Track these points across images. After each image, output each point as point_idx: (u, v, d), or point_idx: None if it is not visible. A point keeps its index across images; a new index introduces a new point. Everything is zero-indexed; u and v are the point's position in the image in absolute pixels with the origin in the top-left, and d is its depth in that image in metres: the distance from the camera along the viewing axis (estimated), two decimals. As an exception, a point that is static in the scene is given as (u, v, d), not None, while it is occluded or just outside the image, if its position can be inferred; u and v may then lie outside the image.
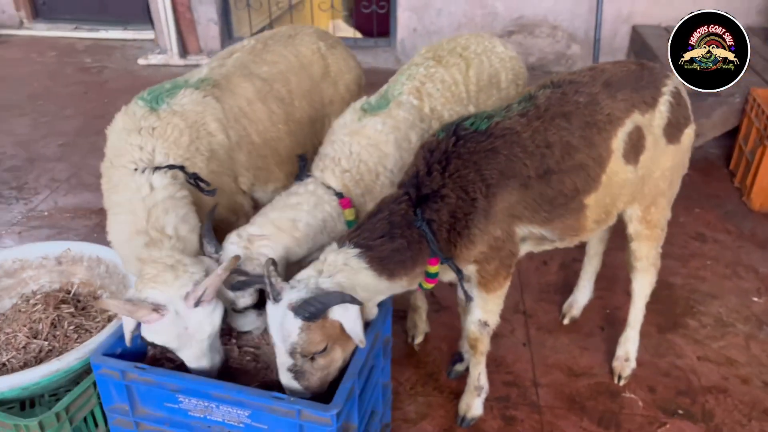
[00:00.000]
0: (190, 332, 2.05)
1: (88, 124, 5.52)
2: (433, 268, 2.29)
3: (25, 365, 2.39)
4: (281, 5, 7.39)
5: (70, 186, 4.66)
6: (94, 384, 2.24)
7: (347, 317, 2.02)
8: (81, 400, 2.22)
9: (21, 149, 5.18)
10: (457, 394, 2.90)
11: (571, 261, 3.77)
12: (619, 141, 2.42)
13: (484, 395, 2.80)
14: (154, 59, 6.99)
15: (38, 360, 2.43)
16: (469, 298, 2.36)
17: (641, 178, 2.54)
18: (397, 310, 3.37)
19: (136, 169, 2.35)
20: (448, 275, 2.45)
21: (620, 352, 3.03)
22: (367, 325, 2.17)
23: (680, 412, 2.85)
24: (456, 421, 2.80)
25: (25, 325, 2.51)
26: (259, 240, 2.22)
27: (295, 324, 1.98)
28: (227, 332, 2.49)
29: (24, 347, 2.46)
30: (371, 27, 7.17)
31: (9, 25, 8.02)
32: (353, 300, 1.97)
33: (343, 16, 8.78)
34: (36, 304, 2.62)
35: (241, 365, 2.42)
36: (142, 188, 2.29)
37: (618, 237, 3.03)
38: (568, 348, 3.21)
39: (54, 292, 2.74)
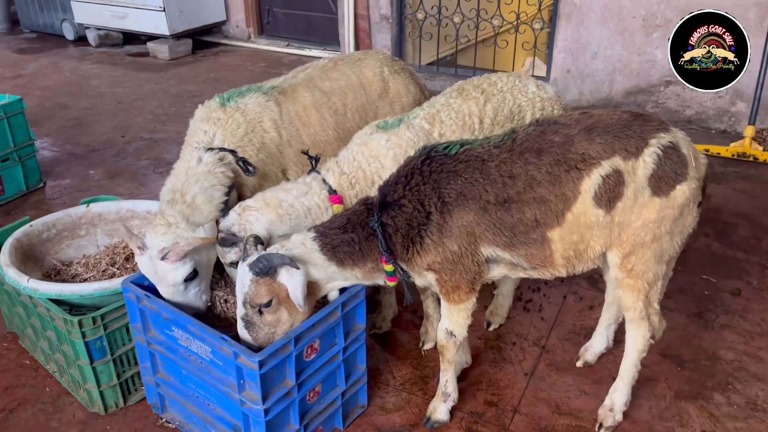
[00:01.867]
0: (158, 275, 2.68)
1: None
2: (387, 267, 2.61)
3: (98, 283, 3.19)
4: (455, 39, 7.87)
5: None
6: (130, 304, 2.94)
7: (291, 281, 2.46)
8: (115, 314, 2.93)
9: (202, 136, 6.35)
10: (438, 399, 3.12)
11: (617, 311, 3.70)
12: (591, 182, 2.51)
13: (451, 403, 3.00)
14: (334, 76, 7.95)
15: (108, 281, 3.22)
16: (408, 299, 2.63)
17: (618, 224, 2.58)
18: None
19: (197, 147, 3.05)
20: (420, 280, 2.76)
21: (607, 401, 2.99)
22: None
23: (649, 474, 2.77)
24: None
25: (108, 255, 3.34)
26: (250, 210, 2.76)
27: (248, 277, 2.48)
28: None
29: (104, 271, 3.28)
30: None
31: (239, 38, 9.64)
32: (292, 263, 2.40)
33: (545, 54, 8.88)
34: (125, 244, 3.43)
35: (236, 318, 2.96)
36: (192, 160, 2.97)
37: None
38: (567, 388, 3.23)
39: (144, 238, 3.53)
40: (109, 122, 6.78)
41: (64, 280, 3.26)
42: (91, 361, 2.93)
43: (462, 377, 3.28)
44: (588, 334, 3.58)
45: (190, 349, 2.71)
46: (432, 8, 7.29)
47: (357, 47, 7.71)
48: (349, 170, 2.87)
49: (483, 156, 2.57)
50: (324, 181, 2.86)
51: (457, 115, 2.99)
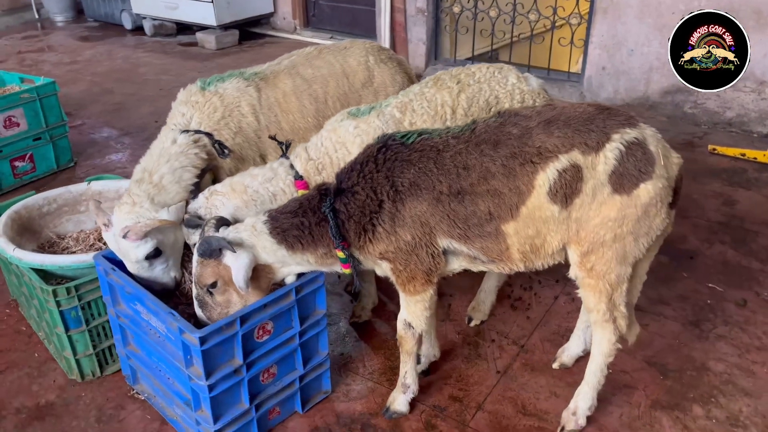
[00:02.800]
0: (122, 252, 2.78)
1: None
2: (339, 254, 2.61)
3: (84, 257, 3.32)
4: (495, 36, 7.71)
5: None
6: (105, 277, 3.05)
7: (234, 264, 2.49)
8: (90, 286, 3.04)
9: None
10: (403, 391, 3.09)
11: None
12: (546, 177, 2.43)
13: (410, 394, 2.97)
14: (371, 69, 7.96)
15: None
16: (357, 287, 2.62)
17: (575, 220, 2.48)
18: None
19: (173, 129, 3.13)
20: (377, 269, 2.75)
21: (571, 404, 2.90)
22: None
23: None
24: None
25: (97, 231, 3.47)
26: (217, 195, 2.81)
27: (196, 258, 2.53)
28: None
29: (91, 245, 3.42)
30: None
31: (286, 30, 9.79)
32: (229, 246, 2.43)
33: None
34: (117, 221, 3.56)
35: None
36: (167, 141, 3.06)
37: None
38: (538, 389, 3.14)
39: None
40: (147, 108, 7.03)
41: (55, 252, 3.42)
42: (67, 329, 3.06)
43: (432, 371, 3.24)
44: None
45: (150, 323, 2.79)
46: (468, 2, 7.19)
47: (393, 40, 7.70)
48: (316, 156, 2.88)
49: (439, 146, 2.53)
50: (291, 166, 2.88)
51: (429, 104, 2.94)
